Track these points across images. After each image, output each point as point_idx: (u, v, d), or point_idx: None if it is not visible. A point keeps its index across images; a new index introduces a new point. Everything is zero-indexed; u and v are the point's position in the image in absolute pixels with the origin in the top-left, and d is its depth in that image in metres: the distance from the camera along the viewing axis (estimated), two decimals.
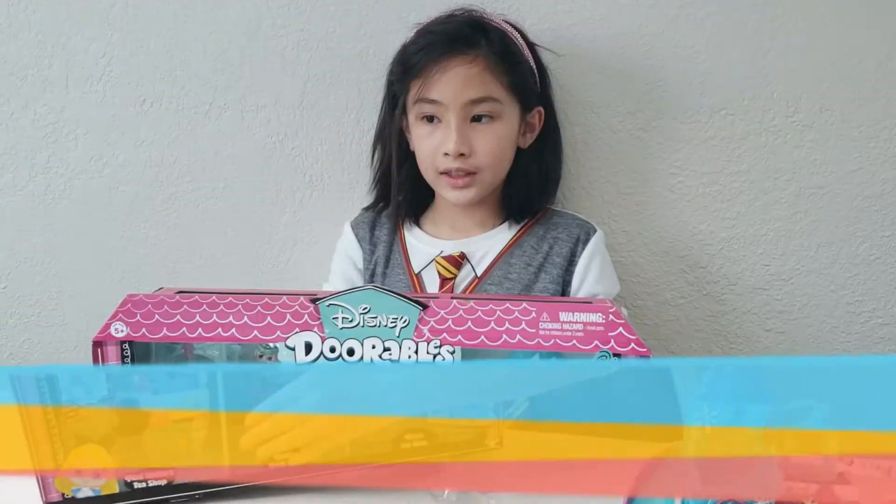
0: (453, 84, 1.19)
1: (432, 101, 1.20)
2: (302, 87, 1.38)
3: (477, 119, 1.21)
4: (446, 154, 1.20)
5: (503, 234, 1.31)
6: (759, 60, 1.34)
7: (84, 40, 1.38)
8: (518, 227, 1.31)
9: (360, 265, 1.34)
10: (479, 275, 1.28)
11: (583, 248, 1.28)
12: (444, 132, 1.21)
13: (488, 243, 1.30)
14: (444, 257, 1.28)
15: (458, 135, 1.19)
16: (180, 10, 1.36)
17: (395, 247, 1.33)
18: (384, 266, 1.31)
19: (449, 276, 1.27)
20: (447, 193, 1.26)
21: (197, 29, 1.37)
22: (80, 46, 1.38)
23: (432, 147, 1.23)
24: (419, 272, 1.29)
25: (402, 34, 1.29)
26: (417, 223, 1.35)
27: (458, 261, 1.28)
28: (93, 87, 1.39)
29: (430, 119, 1.22)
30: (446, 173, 1.23)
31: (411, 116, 1.25)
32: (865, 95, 1.35)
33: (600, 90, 1.36)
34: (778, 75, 1.35)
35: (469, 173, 1.22)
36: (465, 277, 1.28)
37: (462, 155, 1.20)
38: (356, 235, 1.35)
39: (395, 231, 1.34)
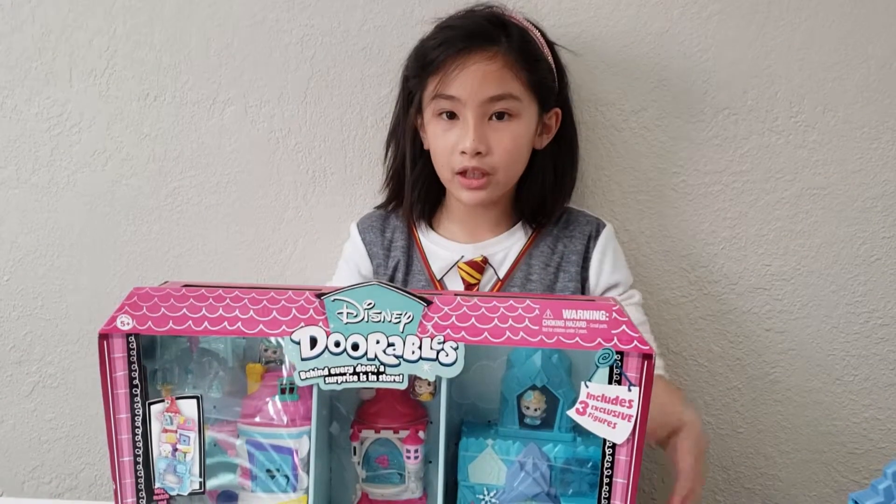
0: (472, 80, 1.17)
1: (450, 98, 1.19)
2: (306, 83, 1.38)
3: (497, 116, 1.19)
4: (463, 152, 1.19)
5: (518, 235, 1.30)
6: (762, 60, 1.35)
7: (88, 34, 1.38)
8: (532, 228, 1.30)
9: (366, 271, 1.32)
10: (501, 277, 1.27)
11: (594, 244, 1.29)
12: (461, 130, 1.19)
13: (506, 245, 1.29)
14: (466, 262, 1.27)
15: (475, 133, 1.18)
16: (184, 4, 1.36)
17: (413, 251, 1.31)
18: (405, 272, 1.29)
19: (473, 281, 1.26)
20: (461, 194, 1.23)
21: (201, 23, 1.37)
22: (83, 40, 1.38)
23: (449, 145, 1.21)
24: (441, 278, 1.27)
25: (407, 29, 1.29)
26: (431, 225, 1.33)
27: (481, 265, 1.27)
28: (96, 81, 1.40)
29: (450, 115, 1.20)
30: (461, 173, 1.21)
31: (427, 113, 1.23)
32: (868, 96, 1.35)
33: (605, 88, 1.37)
34: (781, 75, 1.35)
35: (484, 173, 1.20)
36: (487, 281, 1.27)
37: (479, 154, 1.18)
38: (363, 240, 1.33)
39: (410, 234, 1.32)
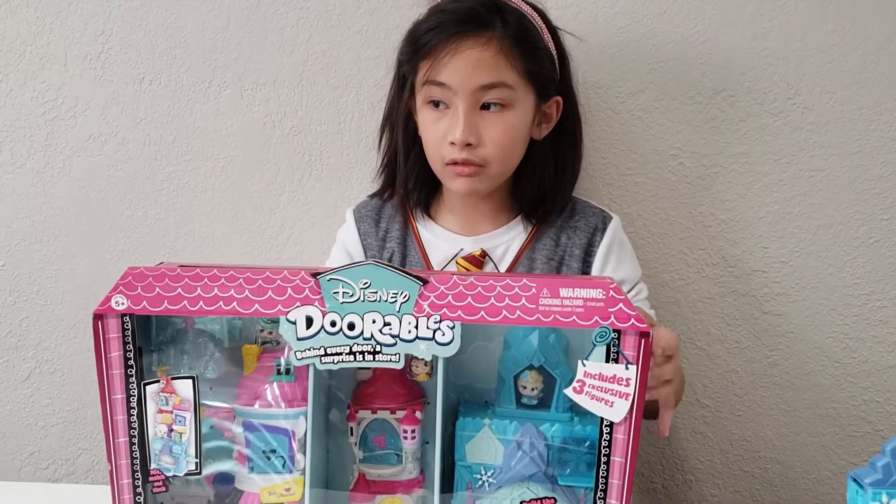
0: (463, 67, 1.12)
1: (441, 85, 1.14)
2: (301, 66, 1.38)
3: (487, 107, 1.14)
4: (452, 143, 1.15)
5: (519, 229, 1.26)
6: (760, 41, 1.34)
7: (83, 17, 1.37)
8: (532, 223, 1.26)
9: (358, 260, 1.28)
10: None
11: (600, 238, 1.25)
12: (451, 119, 1.15)
13: (507, 238, 1.25)
14: (464, 257, 1.23)
15: (465, 123, 1.13)
16: None
17: (410, 242, 1.27)
18: (400, 264, 1.25)
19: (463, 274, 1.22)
20: (452, 183, 1.19)
21: (196, 6, 1.36)
22: (78, 23, 1.38)
23: (439, 135, 1.16)
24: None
25: (404, 11, 1.28)
26: (429, 215, 1.29)
27: (480, 260, 1.23)
28: (91, 65, 1.39)
29: (437, 104, 1.16)
30: (452, 163, 1.17)
31: (419, 100, 1.19)
32: (866, 77, 1.34)
33: (601, 70, 1.36)
34: (779, 57, 1.34)
35: (475, 165, 1.16)
36: None
37: (469, 145, 1.14)
38: (358, 230, 1.30)
39: (407, 225, 1.28)
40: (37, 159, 1.42)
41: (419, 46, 1.16)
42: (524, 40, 1.16)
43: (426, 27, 1.16)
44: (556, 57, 1.21)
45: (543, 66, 1.18)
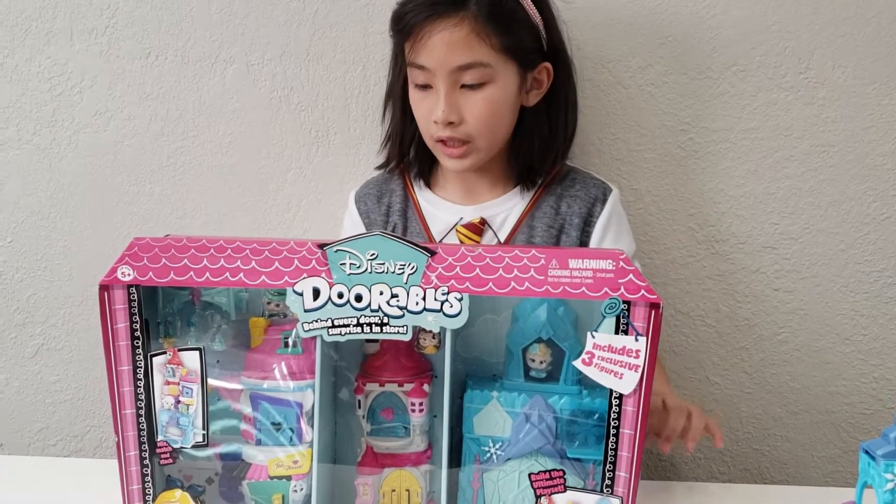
0: (438, 50, 1.13)
1: (421, 67, 1.16)
2: (308, 40, 1.37)
3: (469, 86, 1.15)
4: (436, 122, 1.16)
5: (519, 198, 1.26)
6: (771, 15, 1.32)
7: None
8: (534, 188, 1.26)
9: None
10: (502, 241, 1.23)
11: (601, 209, 1.25)
12: (433, 99, 1.16)
13: (506, 207, 1.25)
14: (464, 225, 1.24)
15: (445, 102, 1.14)
16: None
17: (410, 213, 1.28)
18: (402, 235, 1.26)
19: (472, 245, 1.22)
20: (445, 162, 1.21)
21: None
22: None
23: (425, 113, 1.18)
24: (440, 241, 1.24)
25: None
26: (428, 185, 1.30)
27: (480, 227, 1.23)
28: (97, 40, 1.38)
29: (423, 86, 1.17)
30: (441, 141, 1.18)
31: (409, 77, 1.21)
32: (879, 51, 1.32)
33: (610, 44, 1.34)
34: (790, 31, 1.33)
35: (462, 142, 1.17)
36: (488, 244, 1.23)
37: (451, 123, 1.15)
38: (359, 210, 1.31)
39: (407, 197, 1.29)
40: (43, 135, 1.41)
41: (401, 27, 1.17)
42: (498, 16, 1.14)
43: (406, 8, 1.17)
44: (540, 24, 1.20)
45: (522, 38, 1.17)
